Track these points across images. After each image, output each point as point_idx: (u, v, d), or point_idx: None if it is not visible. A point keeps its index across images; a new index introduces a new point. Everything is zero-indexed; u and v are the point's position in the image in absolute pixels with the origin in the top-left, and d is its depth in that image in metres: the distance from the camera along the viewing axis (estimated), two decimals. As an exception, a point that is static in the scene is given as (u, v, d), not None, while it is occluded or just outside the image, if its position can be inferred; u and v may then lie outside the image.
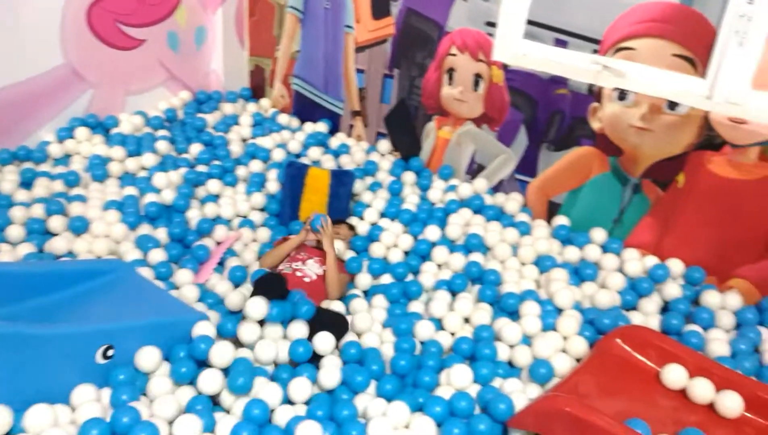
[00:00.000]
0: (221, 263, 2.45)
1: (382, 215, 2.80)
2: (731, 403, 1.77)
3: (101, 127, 3.06)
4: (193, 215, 2.63)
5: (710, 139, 2.25)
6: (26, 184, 2.62)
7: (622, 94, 2.37)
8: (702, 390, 1.81)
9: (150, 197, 2.61)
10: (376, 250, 2.57)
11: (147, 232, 2.46)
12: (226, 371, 1.81)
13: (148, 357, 1.78)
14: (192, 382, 1.79)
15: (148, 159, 2.86)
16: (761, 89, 2.09)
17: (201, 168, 2.93)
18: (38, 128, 2.89)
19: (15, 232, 2.30)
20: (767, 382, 1.94)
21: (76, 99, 2.99)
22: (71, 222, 2.37)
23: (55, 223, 2.37)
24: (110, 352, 1.73)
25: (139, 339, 1.78)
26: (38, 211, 2.40)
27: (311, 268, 2.32)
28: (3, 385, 1.58)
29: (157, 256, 2.33)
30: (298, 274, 2.28)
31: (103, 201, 2.54)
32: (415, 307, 2.27)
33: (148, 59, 3.20)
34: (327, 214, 2.71)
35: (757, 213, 2.23)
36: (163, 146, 2.97)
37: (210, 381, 1.75)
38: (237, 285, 2.34)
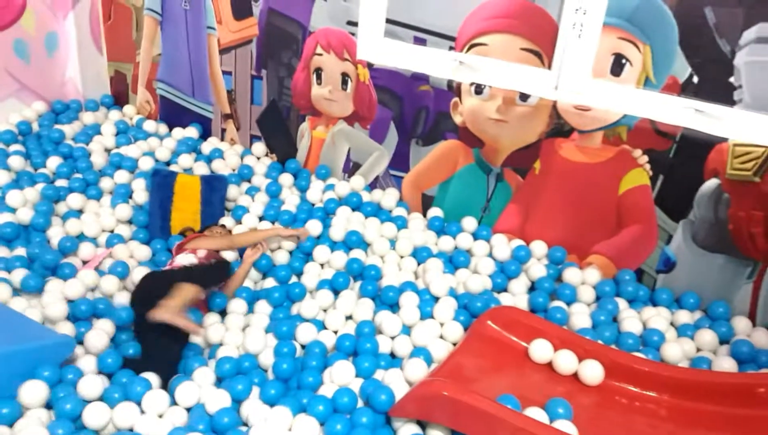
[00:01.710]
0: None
1: (261, 219, 2.77)
2: (592, 372, 1.90)
3: (-56, 144, 2.82)
4: (55, 233, 2.47)
5: (560, 127, 2.39)
6: None
7: (479, 89, 2.47)
8: (566, 362, 1.93)
9: (4, 217, 2.43)
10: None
11: (3, 255, 2.29)
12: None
13: (31, 392, 1.71)
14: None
15: (1, 176, 2.65)
16: (599, 78, 2.25)
17: (61, 182, 2.75)
18: None
19: None
20: (625, 349, 2.09)
21: None
22: None
23: None
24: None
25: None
26: None
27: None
28: None
29: (18, 277, 2.18)
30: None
31: (-51, 225, 2.34)
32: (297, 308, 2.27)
33: (-7, 69, 2.97)
34: (200, 221, 2.66)
35: (605, 192, 2.39)
36: (16, 162, 2.77)
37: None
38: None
